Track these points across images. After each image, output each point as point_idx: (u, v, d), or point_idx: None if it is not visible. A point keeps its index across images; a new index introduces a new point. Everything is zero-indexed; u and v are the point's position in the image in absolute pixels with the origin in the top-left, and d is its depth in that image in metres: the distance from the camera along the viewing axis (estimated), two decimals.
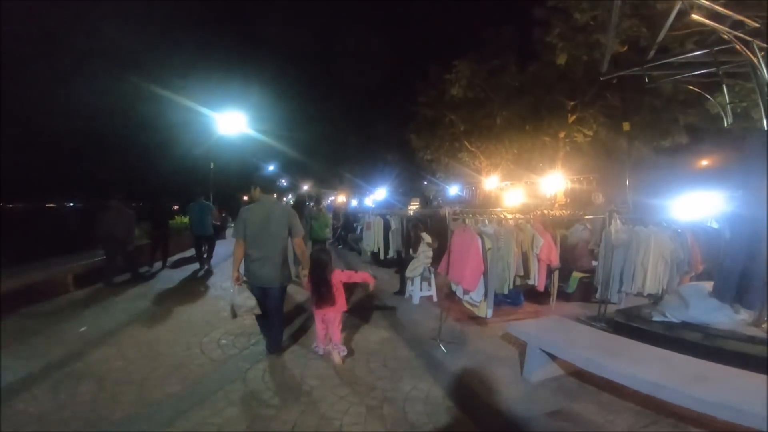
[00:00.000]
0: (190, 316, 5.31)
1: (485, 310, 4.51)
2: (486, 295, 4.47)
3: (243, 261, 3.65)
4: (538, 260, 4.78)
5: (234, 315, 3.63)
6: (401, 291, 6.38)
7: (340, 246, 13.31)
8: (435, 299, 6.04)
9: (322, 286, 3.64)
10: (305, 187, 42.45)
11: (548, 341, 3.37)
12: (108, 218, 6.67)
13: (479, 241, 4.43)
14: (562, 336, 3.45)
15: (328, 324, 3.76)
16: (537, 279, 4.81)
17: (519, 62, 13.78)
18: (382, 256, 8.32)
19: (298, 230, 3.74)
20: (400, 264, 7.11)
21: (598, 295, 5.01)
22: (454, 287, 4.75)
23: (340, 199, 35.73)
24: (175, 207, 15.48)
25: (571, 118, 12.72)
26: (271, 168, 43.44)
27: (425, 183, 22.45)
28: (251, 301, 3.54)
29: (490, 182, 16.32)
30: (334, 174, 33.66)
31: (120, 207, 6.83)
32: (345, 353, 3.76)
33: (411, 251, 6.17)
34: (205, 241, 8.59)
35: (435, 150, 17.14)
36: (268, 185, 3.89)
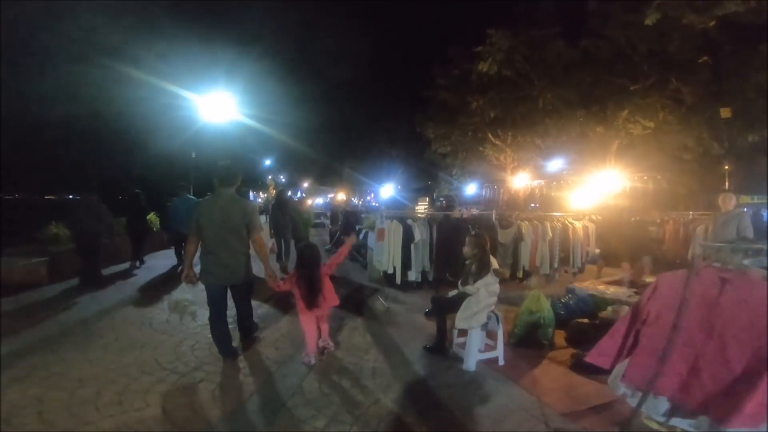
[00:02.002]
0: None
1: None
2: None
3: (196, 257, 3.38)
4: None
5: (173, 310, 3.84)
6: (439, 346, 3.72)
7: (335, 251, 10.66)
8: (501, 362, 3.43)
9: (314, 284, 3.35)
10: (305, 185, 39.89)
11: None
12: (79, 214, 6.17)
13: None
14: None
15: (320, 322, 3.52)
16: None
17: (567, 36, 11.22)
18: (398, 279, 5.70)
19: (257, 226, 3.47)
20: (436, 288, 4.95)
21: None
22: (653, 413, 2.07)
23: (340, 197, 33.14)
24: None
25: (628, 107, 10.23)
26: (267, 162, 40.81)
27: (432, 182, 19.92)
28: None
29: (519, 180, 13.81)
30: (332, 170, 30.84)
31: (92, 201, 6.28)
32: (332, 348, 3.60)
33: (464, 282, 3.55)
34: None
35: (454, 141, 14.47)
36: (228, 177, 3.40)
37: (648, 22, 8.10)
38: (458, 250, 3.83)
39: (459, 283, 3.61)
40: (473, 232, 4.21)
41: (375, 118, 24.27)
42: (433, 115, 14.73)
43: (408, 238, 5.41)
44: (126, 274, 7.13)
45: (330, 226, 11.85)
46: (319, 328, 3.50)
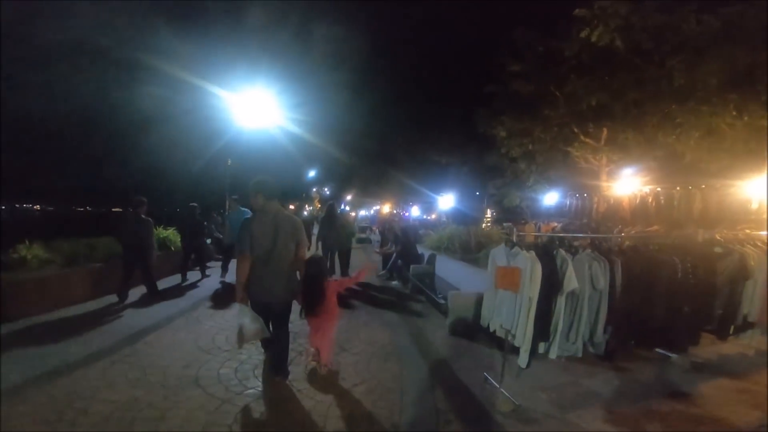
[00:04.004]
0: None
1: None
2: None
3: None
4: None
5: (241, 342, 3.15)
6: None
7: (395, 282, 8.21)
8: None
9: (313, 296, 3.35)
10: (348, 197, 38.20)
11: None
12: (126, 227, 6.07)
13: None
14: None
15: (323, 332, 3.46)
16: None
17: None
18: (526, 359, 3.13)
19: (303, 242, 3.39)
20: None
21: None
22: None
23: (386, 209, 30.88)
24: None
25: None
26: (312, 174, 39.58)
27: (497, 190, 17.04)
28: (257, 324, 3.10)
29: (624, 186, 10.81)
30: (377, 179, 28.58)
31: (136, 215, 6.15)
32: (326, 371, 3.47)
33: None
34: None
35: (536, 139, 11.65)
36: (274, 191, 3.33)
37: None
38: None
39: None
40: None
41: (425, 122, 21.81)
42: (504, 110, 12.01)
43: (552, 284, 2.88)
44: (181, 289, 7.03)
45: (378, 249, 9.55)
46: (321, 343, 3.45)
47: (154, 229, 6.62)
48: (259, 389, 3.22)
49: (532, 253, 2.90)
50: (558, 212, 14.10)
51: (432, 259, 7.75)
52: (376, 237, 18.62)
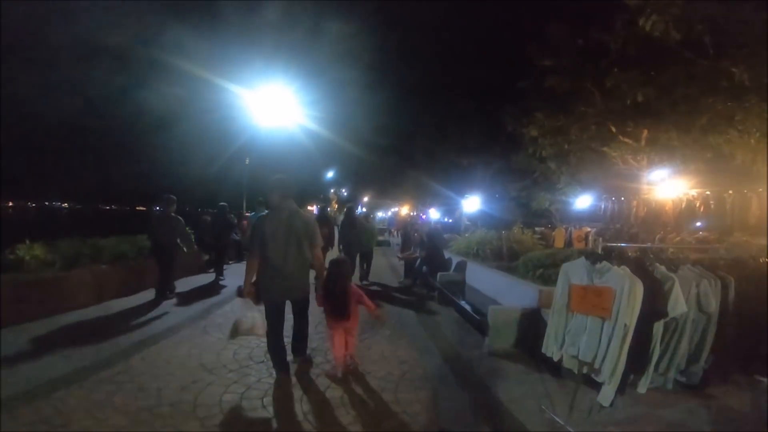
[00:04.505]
0: None
1: None
2: None
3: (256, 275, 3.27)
4: None
5: (234, 334, 3.28)
6: None
7: (416, 287, 7.53)
8: None
9: (340, 299, 3.31)
10: (365, 199, 37.63)
11: None
12: (155, 226, 5.96)
13: None
14: None
15: (347, 335, 3.39)
16: None
17: None
18: (610, 397, 2.43)
19: (318, 241, 3.37)
20: None
21: None
22: None
23: (404, 211, 30.12)
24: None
25: None
26: (330, 175, 39.12)
27: (525, 192, 16.17)
28: (255, 320, 3.23)
29: (667, 189, 9.87)
30: (395, 181, 27.85)
31: (166, 213, 6.02)
32: (357, 365, 3.46)
33: None
34: None
35: (572, 138, 10.79)
36: (289, 190, 3.36)
37: None
38: None
39: None
40: None
41: (447, 121, 21.06)
42: (535, 108, 11.18)
43: (655, 308, 2.18)
44: (211, 289, 6.92)
45: (401, 253, 9.01)
46: (346, 341, 3.40)
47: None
48: (269, 425, 2.64)
49: (626, 269, 2.21)
50: (590, 216, 13.18)
51: (462, 267, 7.07)
52: (396, 240, 17.96)
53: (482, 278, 6.22)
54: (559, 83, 10.61)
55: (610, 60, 9.17)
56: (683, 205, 9.73)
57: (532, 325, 4.20)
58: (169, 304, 5.67)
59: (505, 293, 5.28)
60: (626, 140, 10.51)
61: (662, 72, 8.35)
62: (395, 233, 21.08)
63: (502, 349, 4.16)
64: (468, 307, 5.11)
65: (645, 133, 10.29)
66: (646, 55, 8.45)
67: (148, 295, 5.95)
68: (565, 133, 10.69)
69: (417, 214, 23.23)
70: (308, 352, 3.69)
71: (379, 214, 36.32)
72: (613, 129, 10.55)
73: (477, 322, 4.77)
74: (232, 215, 8.76)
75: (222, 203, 8.19)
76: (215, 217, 8.17)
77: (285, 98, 13.28)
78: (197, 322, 4.88)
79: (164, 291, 5.92)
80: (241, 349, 3.86)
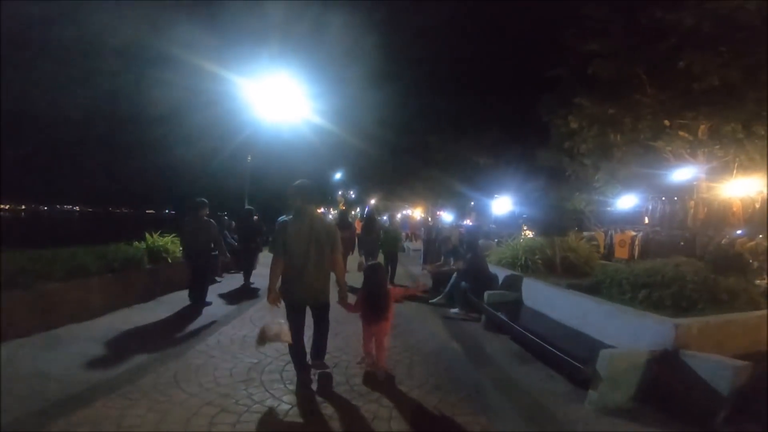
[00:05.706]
0: None
1: None
2: None
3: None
4: None
5: (262, 342, 3.15)
6: None
7: (455, 311, 6.20)
8: None
9: (378, 305, 3.43)
10: (372, 201, 36.36)
11: None
12: (191, 232, 5.81)
13: None
14: None
15: (379, 336, 3.48)
16: None
17: None
18: None
19: (338, 246, 3.41)
20: None
21: None
22: None
23: (417, 214, 28.87)
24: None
25: None
26: (338, 176, 37.75)
27: (554, 191, 14.90)
28: (282, 326, 3.14)
29: (734, 188, 8.57)
30: (405, 182, 26.47)
31: (198, 218, 5.86)
32: (384, 376, 3.40)
33: None
34: None
35: (631, 129, 9.39)
36: (312, 196, 3.41)
37: None
38: None
39: None
40: None
41: (466, 116, 19.77)
42: (579, 95, 9.83)
43: None
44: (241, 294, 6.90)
45: (425, 264, 8.01)
46: (381, 341, 3.48)
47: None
48: None
49: None
50: (633, 219, 11.89)
51: (514, 283, 5.78)
52: (411, 245, 16.70)
53: (549, 300, 4.89)
54: (604, 69, 9.30)
55: (671, 42, 7.84)
56: (757, 206, 8.46)
57: (663, 371, 3.02)
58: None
59: (593, 322, 4.00)
60: (683, 134, 9.20)
61: (748, 52, 7.03)
62: (411, 237, 19.83)
63: (614, 403, 2.97)
64: (555, 350, 3.76)
65: (703, 125, 8.99)
66: (725, 34, 7.13)
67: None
68: (617, 124, 9.36)
69: (437, 217, 21.89)
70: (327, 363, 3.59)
71: (384, 218, 34.94)
72: (667, 122, 9.25)
73: (565, 366, 3.49)
74: (257, 218, 8.39)
75: (248, 207, 8.59)
76: (241, 222, 8.34)
77: (290, 91, 12.18)
78: (207, 337, 4.31)
79: (201, 297, 5.81)
80: (257, 376, 2.74)
